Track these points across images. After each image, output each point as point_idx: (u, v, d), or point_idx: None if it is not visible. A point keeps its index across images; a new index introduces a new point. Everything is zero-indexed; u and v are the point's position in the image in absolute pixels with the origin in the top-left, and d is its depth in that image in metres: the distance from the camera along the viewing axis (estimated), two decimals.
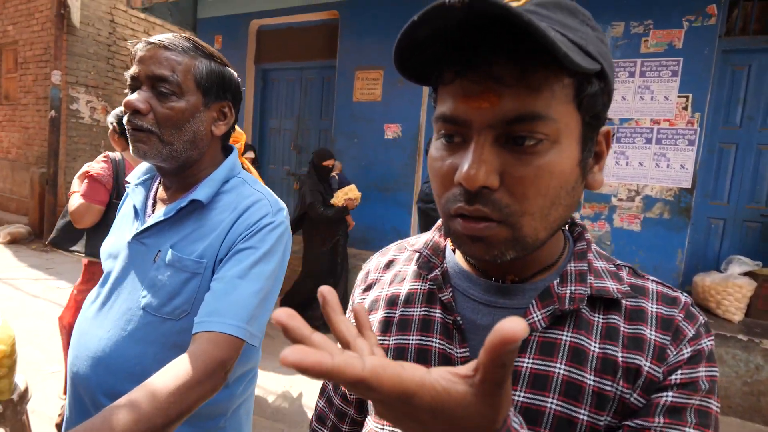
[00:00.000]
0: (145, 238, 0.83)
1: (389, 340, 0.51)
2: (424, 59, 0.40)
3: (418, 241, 0.56)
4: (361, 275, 0.61)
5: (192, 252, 0.79)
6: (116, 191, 1.91)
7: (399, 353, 0.49)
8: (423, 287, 0.51)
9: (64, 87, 5.90)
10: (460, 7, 0.32)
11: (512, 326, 0.22)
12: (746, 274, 2.98)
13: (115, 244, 0.88)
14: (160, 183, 0.91)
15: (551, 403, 0.41)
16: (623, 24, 3.35)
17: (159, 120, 0.76)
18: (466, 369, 0.27)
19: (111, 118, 2.01)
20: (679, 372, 0.41)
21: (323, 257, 3.54)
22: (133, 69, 0.77)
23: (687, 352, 0.41)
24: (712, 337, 0.43)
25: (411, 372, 0.25)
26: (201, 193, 0.81)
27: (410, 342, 0.49)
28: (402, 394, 0.24)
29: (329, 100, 4.73)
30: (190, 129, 0.79)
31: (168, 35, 0.79)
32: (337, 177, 3.76)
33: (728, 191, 3.32)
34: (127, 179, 0.93)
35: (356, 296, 0.59)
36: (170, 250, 0.79)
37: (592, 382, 0.41)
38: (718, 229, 3.35)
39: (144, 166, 0.95)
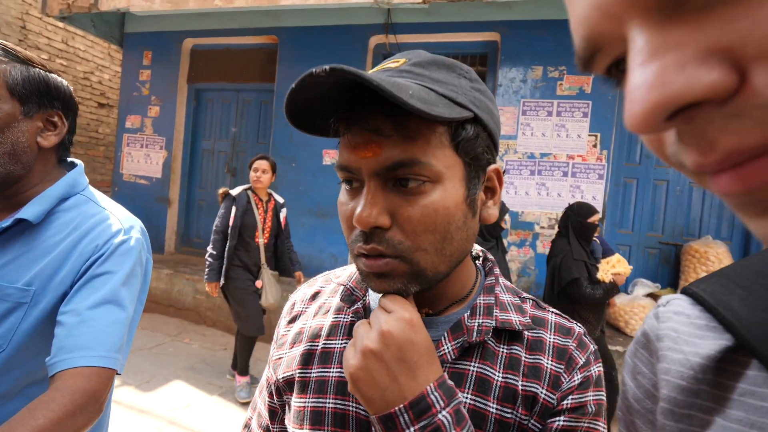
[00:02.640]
0: None
1: (311, 373, 0.51)
2: (315, 117, 0.44)
3: (344, 273, 0.58)
4: (287, 306, 0.61)
5: (16, 279, 0.71)
6: None
7: (319, 386, 0.50)
8: (345, 320, 0.52)
9: None
10: (324, 75, 0.36)
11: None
12: (648, 295, 3.32)
13: None
14: None
15: None
16: (541, 68, 3.69)
17: None
18: None
19: None
20: (570, 397, 0.44)
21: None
22: None
23: (578, 378, 0.45)
24: (600, 364, 0.48)
25: None
26: (28, 211, 0.73)
27: (330, 375, 0.50)
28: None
29: (267, 124, 4.65)
30: (6, 140, 0.72)
31: None
32: (597, 240, 2.74)
33: (632, 221, 3.73)
34: None
35: (281, 328, 0.59)
36: None
37: (494, 411, 0.44)
38: (626, 254, 3.72)
39: None
